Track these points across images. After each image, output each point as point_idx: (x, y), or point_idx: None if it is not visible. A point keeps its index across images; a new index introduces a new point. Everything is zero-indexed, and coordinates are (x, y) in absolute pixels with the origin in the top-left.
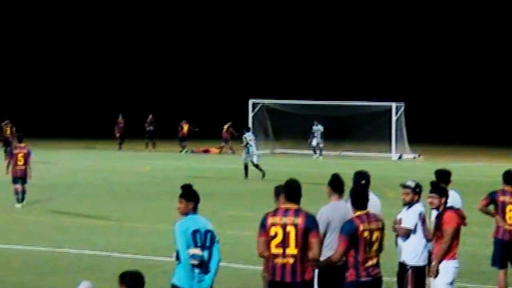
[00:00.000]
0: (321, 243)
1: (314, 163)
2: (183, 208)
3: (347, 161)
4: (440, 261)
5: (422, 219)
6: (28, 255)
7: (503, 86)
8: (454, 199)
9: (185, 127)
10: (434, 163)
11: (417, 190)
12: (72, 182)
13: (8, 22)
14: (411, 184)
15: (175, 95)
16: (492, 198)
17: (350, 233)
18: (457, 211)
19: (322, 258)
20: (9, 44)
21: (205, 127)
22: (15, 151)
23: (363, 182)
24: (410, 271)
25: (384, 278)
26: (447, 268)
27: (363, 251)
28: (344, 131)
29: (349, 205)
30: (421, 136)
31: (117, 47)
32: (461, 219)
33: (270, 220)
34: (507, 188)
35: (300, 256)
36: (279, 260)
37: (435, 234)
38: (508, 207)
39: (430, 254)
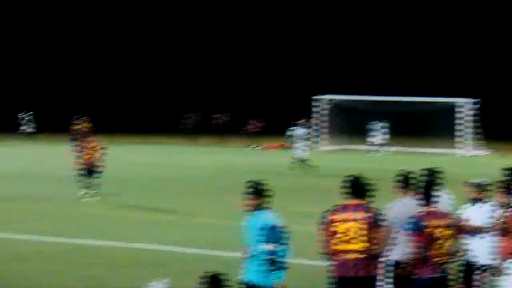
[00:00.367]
0: (386, 238)
1: (381, 159)
2: (252, 204)
3: (416, 157)
4: (506, 260)
5: (493, 217)
6: (97, 249)
7: None
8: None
9: (253, 124)
10: (508, 160)
11: (483, 187)
12: (140, 176)
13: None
14: (476, 181)
15: (241, 91)
16: None
17: (417, 228)
18: None
19: (387, 254)
20: (85, 43)
21: (269, 123)
22: (86, 144)
23: (432, 179)
24: (480, 271)
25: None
26: None
27: (430, 247)
28: (415, 127)
29: (416, 202)
30: (494, 132)
31: (185, 47)
32: None
33: (335, 216)
34: None
35: (366, 251)
36: (346, 256)
37: (502, 231)
38: None
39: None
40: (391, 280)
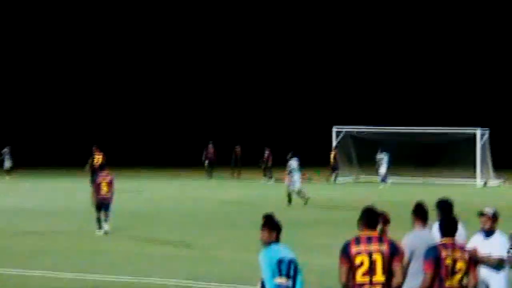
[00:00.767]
0: (404, 270)
1: (401, 190)
2: (266, 238)
3: (431, 188)
4: None
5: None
6: (113, 285)
7: None
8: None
9: (268, 155)
10: None
11: (497, 217)
12: (156, 210)
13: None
14: (490, 211)
15: (259, 123)
16: None
17: (433, 258)
18: None
19: (405, 287)
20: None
21: (286, 153)
22: (99, 180)
23: (447, 209)
24: None
25: None
26: None
27: (444, 279)
28: (429, 157)
29: (433, 233)
30: (506, 162)
31: (206, 77)
32: None
33: (354, 249)
34: None
35: (387, 283)
36: None
37: None
38: None
39: None
40: None
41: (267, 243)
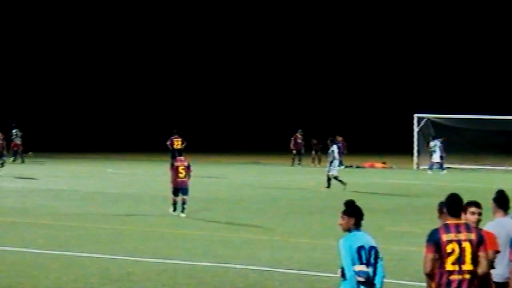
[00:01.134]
0: (490, 259)
1: (484, 178)
2: (345, 224)
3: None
4: None
5: None
6: (193, 270)
7: None
8: None
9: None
10: None
11: None
12: (237, 196)
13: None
14: None
15: (340, 110)
16: None
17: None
18: None
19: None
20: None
21: (366, 141)
22: (177, 164)
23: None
24: None
25: None
26: None
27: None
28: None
29: None
30: None
31: (300, 64)
32: None
33: (445, 237)
34: None
35: (475, 271)
36: (455, 277)
37: None
38: None
39: None
40: None
41: (347, 230)
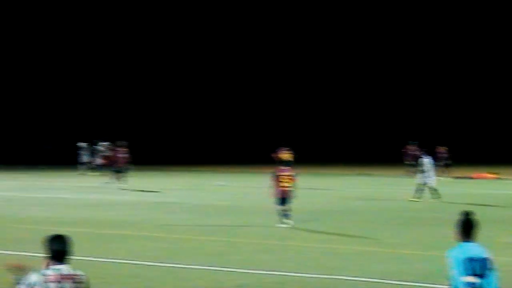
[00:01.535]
0: None
1: None
2: (459, 235)
3: None
4: None
5: None
6: (304, 282)
7: None
8: None
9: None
10: None
11: None
12: (346, 208)
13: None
14: None
15: (450, 120)
16: None
17: None
18: None
19: None
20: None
21: (475, 151)
22: (280, 174)
23: None
24: None
25: None
26: None
27: None
28: None
29: None
30: None
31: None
32: None
33: None
34: None
35: None
36: None
37: None
38: None
39: None
40: None
41: (459, 241)
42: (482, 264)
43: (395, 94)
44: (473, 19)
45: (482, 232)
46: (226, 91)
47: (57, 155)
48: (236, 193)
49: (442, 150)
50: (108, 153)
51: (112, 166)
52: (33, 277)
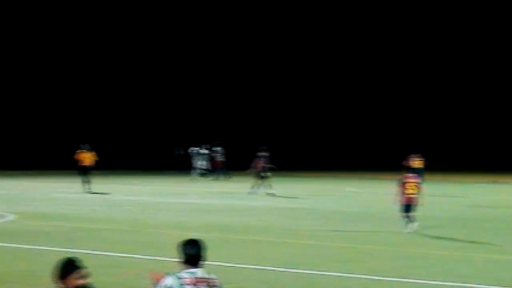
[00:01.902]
0: None
1: None
2: None
3: None
4: None
5: None
6: None
7: None
8: None
9: None
10: None
11: None
12: (477, 215)
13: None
14: None
15: None
16: None
17: None
18: None
19: None
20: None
21: None
22: (406, 180)
23: None
24: None
25: None
26: None
27: None
28: None
29: None
30: None
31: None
32: None
33: None
34: None
35: None
36: None
37: None
38: None
39: None
40: None
41: None
42: None
43: None
44: (465, 29)
45: None
46: (359, 98)
47: (188, 160)
48: (366, 199)
49: None
50: (221, 158)
51: (255, 172)
52: (169, 280)
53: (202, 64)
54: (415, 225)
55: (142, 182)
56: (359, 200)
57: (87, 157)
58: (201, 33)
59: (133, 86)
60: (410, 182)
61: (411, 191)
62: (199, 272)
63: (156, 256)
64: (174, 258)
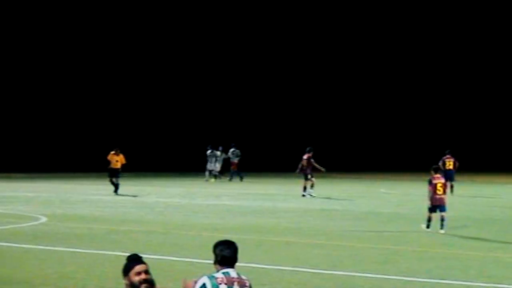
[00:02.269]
0: None
1: None
2: None
3: None
4: None
5: None
6: None
7: None
8: None
9: None
10: None
11: None
12: (507, 217)
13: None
14: None
15: None
16: None
17: None
18: None
19: None
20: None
21: None
22: (434, 181)
23: None
24: None
25: None
26: None
27: None
28: None
29: None
30: None
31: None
32: None
33: None
34: None
35: None
36: None
37: None
38: None
39: None
40: None
41: None
42: None
43: None
44: (466, 30)
45: None
46: (394, 101)
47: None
48: (399, 200)
49: None
50: (236, 160)
51: (303, 173)
52: (204, 280)
53: (227, 67)
54: (444, 226)
55: (174, 184)
56: (391, 201)
57: (118, 159)
58: (223, 40)
59: (161, 89)
60: (439, 183)
61: (439, 192)
62: (232, 272)
63: (189, 258)
64: (207, 259)
